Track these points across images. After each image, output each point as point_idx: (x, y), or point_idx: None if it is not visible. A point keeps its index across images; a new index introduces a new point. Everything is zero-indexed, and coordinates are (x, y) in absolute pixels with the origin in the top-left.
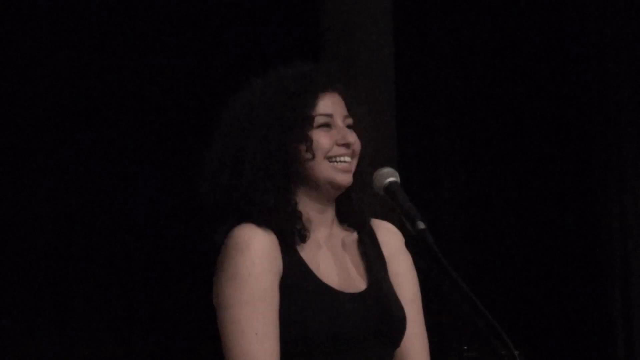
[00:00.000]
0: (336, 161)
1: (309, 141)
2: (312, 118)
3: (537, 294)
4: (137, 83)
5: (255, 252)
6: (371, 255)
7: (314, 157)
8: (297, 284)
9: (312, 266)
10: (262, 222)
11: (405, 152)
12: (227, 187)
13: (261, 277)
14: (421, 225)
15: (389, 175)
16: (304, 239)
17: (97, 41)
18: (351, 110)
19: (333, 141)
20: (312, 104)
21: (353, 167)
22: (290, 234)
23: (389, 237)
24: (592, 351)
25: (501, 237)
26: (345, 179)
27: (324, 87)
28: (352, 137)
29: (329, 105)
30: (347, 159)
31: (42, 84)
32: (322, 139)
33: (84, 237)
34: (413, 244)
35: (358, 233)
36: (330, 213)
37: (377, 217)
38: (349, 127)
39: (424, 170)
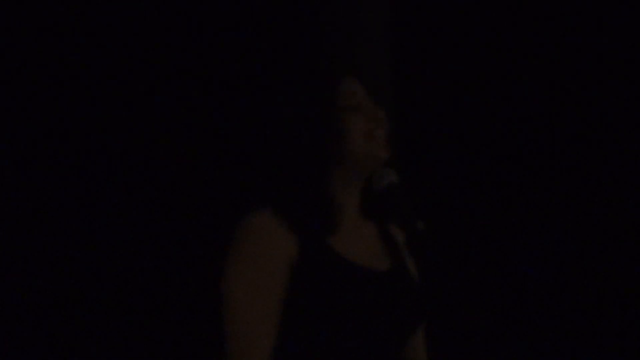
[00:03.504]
0: (373, 137)
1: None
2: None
3: (536, 294)
4: (134, 83)
5: (258, 238)
6: (389, 238)
7: (350, 137)
8: (323, 264)
9: (337, 246)
10: (279, 207)
11: (405, 151)
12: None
13: (262, 261)
14: (420, 225)
15: (388, 176)
16: (332, 223)
17: (95, 39)
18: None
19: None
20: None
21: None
22: (316, 217)
23: (397, 231)
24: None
25: (501, 236)
26: (386, 152)
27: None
28: (382, 113)
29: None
30: (382, 132)
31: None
32: (354, 117)
33: (83, 236)
34: (412, 243)
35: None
36: (357, 195)
37: None
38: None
39: (423, 170)
